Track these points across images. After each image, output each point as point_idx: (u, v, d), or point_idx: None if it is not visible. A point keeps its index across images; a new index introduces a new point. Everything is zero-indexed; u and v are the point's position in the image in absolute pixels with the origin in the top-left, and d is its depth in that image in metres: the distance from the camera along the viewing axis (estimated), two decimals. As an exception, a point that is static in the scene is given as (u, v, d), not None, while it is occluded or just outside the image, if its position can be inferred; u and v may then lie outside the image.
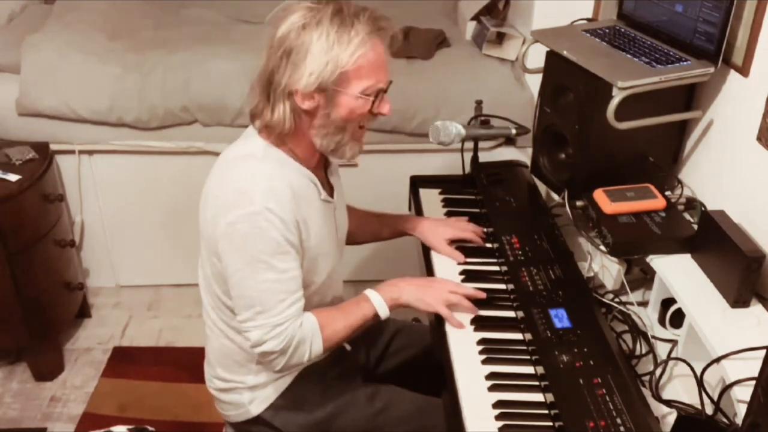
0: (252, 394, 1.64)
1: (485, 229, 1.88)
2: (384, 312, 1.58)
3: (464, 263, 1.79)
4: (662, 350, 1.57)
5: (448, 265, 1.79)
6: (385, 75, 1.46)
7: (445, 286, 1.62)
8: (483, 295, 1.62)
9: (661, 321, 1.63)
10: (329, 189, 1.61)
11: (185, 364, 2.58)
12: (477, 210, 2.01)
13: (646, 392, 1.45)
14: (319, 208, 1.54)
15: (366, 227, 1.87)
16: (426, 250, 1.85)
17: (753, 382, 1.15)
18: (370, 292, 1.60)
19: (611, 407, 1.32)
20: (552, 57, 1.87)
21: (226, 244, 1.43)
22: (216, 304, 1.58)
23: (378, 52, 1.43)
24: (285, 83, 1.40)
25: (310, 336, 1.49)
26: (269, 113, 1.44)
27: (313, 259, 1.53)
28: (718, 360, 1.34)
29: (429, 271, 1.80)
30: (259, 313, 1.44)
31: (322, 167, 1.60)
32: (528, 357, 1.51)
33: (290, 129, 1.45)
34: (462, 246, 1.84)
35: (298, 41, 1.38)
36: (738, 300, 1.46)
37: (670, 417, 1.39)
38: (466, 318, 1.60)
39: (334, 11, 1.39)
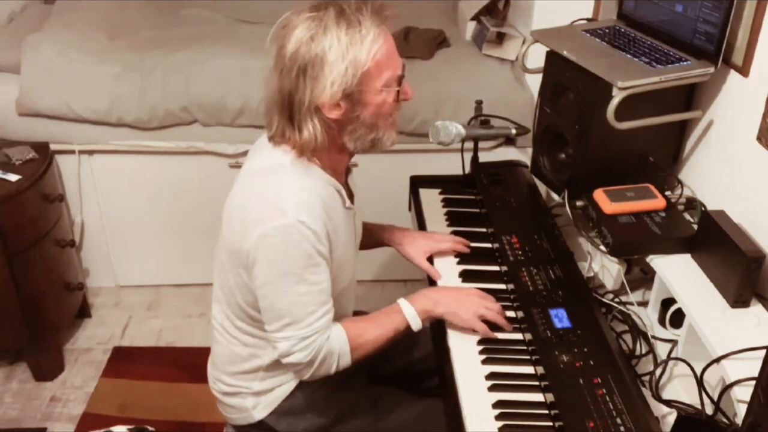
0: (256, 399, 1.63)
1: (470, 243, 1.84)
2: (417, 325, 1.56)
3: (461, 261, 1.79)
4: (662, 350, 1.57)
5: (448, 267, 1.79)
6: (399, 60, 1.45)
7: (480, 301, 1.59)
8: (509, 328, 1.58)
9: (661, 321, 1.63)
10: (350, 195, 1.59)
11: (185, 364, 2.58)
12: (477, 210, 2.01)
13: (646, 392, 1.45)
14: (343, 216, 1.53)
15: None
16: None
17: (753, 382, 1.15)
18: (402, 303, 1.57)
19: (611, 407, 1.32)
20: (552, 57, 1.87)
21: (258, 256, 1.41)
22: (236, 313, 1.56)
23: (389, 40, 1.40)
24: (308, 100, 1.37)
25: (338, 349, 1.48)
26: (297, 134, 1.40)
27: (338, 269, 1.52)
28: (718, 360, 1.34)
29: (430, 278, 1.79)
30: (288, 325, 1.43)
31: (344, 173, 1.58)
32: (528, 357, 1.51)
33: (324, 143, 1.42)
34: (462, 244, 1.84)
35: (310, 55, 1.34)
36: (738, 300, 1.46)
37: (670, 417, 1.39)
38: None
39: (336, 14, 1.36)
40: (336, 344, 1.48)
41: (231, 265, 1.50)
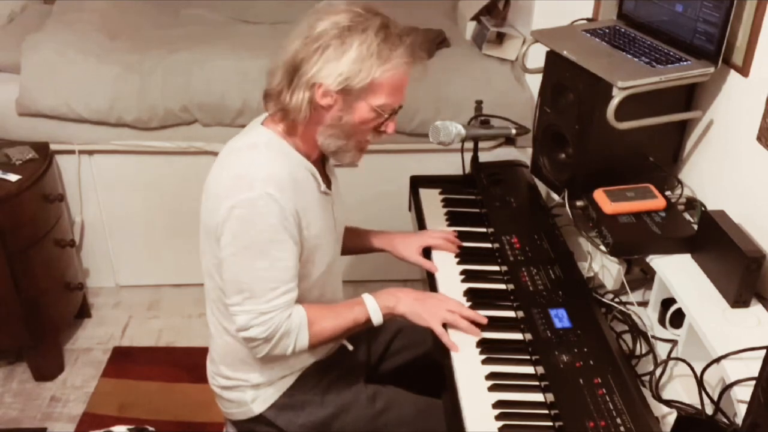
0: (255, 392, 1.64)
1: (459, 242, 1.85)
2: (377, 319, 1.58)
3: (461, 261, 1.79)
4: (662, 350, 1.57)
5: (448, 266, 1.79)
6: (402, 98, 1.50)
7: (444, 304, 1.59)
8: (484, 320, 1.59)
9: (661, 321, 1.63)
10: (327, 182, 1.61)
11: (185, 364, 2.58)
12: (477, 210, 2.01)
13: (646, 392, 1.45)
14: (318, 199, 1.55)
15: (345, 241, 1.85)
16: (426, 254, 1.85)
17: (753, 382, 1.15)
18: (366, 297, 1.59)
19: (611, 407, 1.32)
20: (552, 57, 1.87)
21: (224, 228, 1.44)
22: (220, 299, 1.58)
23: (405, 77, 1.46)
24: (312, 74, 1.41)
25: (296, 329, 1.50)
26: (288, 97, 1.45)
27: (311, 251, 1.54)
28: (718, 360, 1.34)
29: (432, 282, 1.78)
30: (248, 299, 1.46)
31: (320, 160, 1.61)
32: (528, 357, 1.51)
33: (305, 119, 1.46)
34: (462, 247, 1.84)
35: (338, 40, 1.39)
36: (738, 300, 1.46)
37: (670, 417, 1.39)
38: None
39: (381, 25, 1.42)
40: (296, 324, 1.49)
41: (208, 246, 1.52)
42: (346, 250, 1.82)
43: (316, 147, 1.54)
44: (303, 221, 1.48)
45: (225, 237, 1.44)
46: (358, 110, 1.45)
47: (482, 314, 1.60)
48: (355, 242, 1.86)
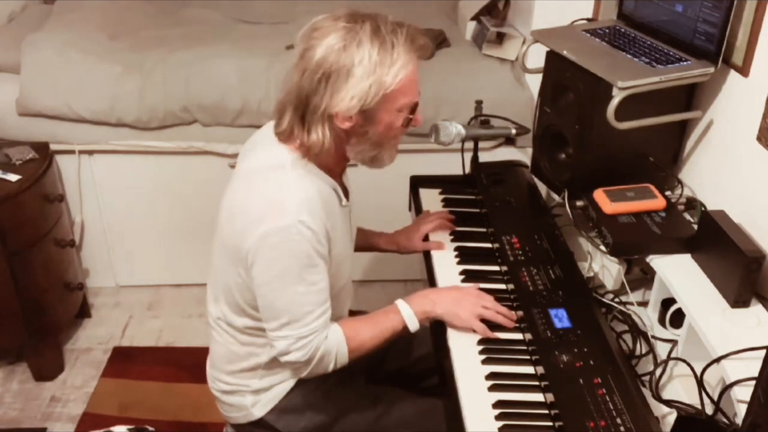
0: (255, 397, 1.63)
1: (452, 217, 1.92)
2: (414, 325, 1.57)
3: (461, 261, 1.79)
4: (662, 350, 1.57)
5: (449, 266, 1.79)
6: (418, 88, 1.47)
7: (478, 300, 1.59)
8: (513, 316, 1.59)
9: (661, 321, 1.63)
10: (345, 193, 1.60)
11: (185, 364, 2.58)
12: (477, 210, 2.01)
13: (646, 392, 1.45)
14: (339, 214, 1.54)
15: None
16: (426, 252, 1.85)
17: (753, 382, 1.15)
18: (400, 303, 1.58)
19: (611, 407, 1.32)
20: (552, 57, 1.87)
21: (257, 255, 1.41)
22: (235, 311, 1.57)
23: (415, 68, 1.42)
24: (324, 106, 1.38)
25: (335, 348, 1.49)
26: (305, 135, 1.42)
27: (336, 267, 1.53)
28: (718, 360, 1.34)
29: (430, 271, 1.80)
30: (286, 325, 1.44)
31: (340, 173, 1.59)
32: (528, 357, 1.51)
33: (330, 149, 1.43)
34: (462, 247, 1.84)
35: (338, 64, 1.35)
36: (738, 300, 1.46)
37: (670, 417, 1.39)
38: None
39: (372, 30, 1.36)
40: (333, 344, 1.49)
41: (230, 265, 1.50)
42: (355, 248, 1.84)
43: (342, 161, 1.53)
44: (332, 241, 1.47)
45: (258, 265, 1.42)
46: (382, 119, 1.43)
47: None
48: (362, 242, 1.87)
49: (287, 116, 1.44)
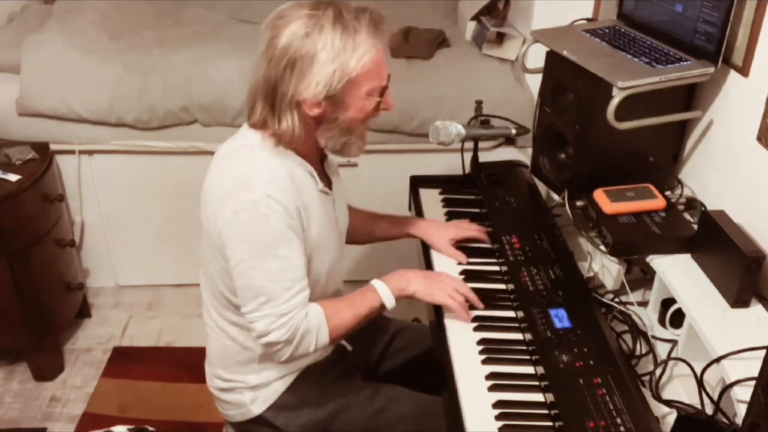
0: (253, 393, 1.64)
1: (488, 229, 1.88)
2: (390, 302, 1.58)
3: (466, 264, 1.79)
4: (662, 350, 1.57)
5: (448, 267, 1.79)
6: (386, 71, 1.48)
7: (451, 283, 1.62)
8: (480, 305, 1.63)
9: (661, 321, 1.63)
10: (326, 181, 1.61)
11: (185, 364, 2.58)
12: (477, 210, 2.01)
13: (646, 392, 1.45)
14: (317, 198, 1.54)
15: (368, 227, 1.87)
16: (426, 251, 1.85)
17: (753, 382, 1.15)
18: (376, 282, 1.60)
19: (611, 407, 1.32)
20: (552, 57, 1.87)
21: (229, 234, 1.43)
22: (220, 303, 1.58)
23: (380, 52, 1.44)
24: (291, 93, 1.40)
25: (316, 326, 1.49)
26: (276, 123, 1.44)
27: (313, 250, 1.53)
28: (718, 360, 1.34)
29: (429, 269, 1.79)
30: (264, 303, 1.44)
31: (318, 161, 1.60)
32: (528, 357, 1.51)
33: (300, 136, 1.45)
34: (462, 247, 1.84)
35: (301, 51, 1.37)
36: (738, 300, 1.46)
37: (670, 417, 1.39)
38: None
39: (335, 16, 1.38)
40: (314, 322, 1.49)
41: (210, 252, 1.52)
42: (363, 239, 1.85)
43: (315, 149, 1.54)
44: (305, 220, 1.48)
45: (231, 244, 1.43)
46: (351, 104, 1.44)
47: (482, 314, 1.61)
48: (374, 228, 1.88)
49: (258, 106, 1.47)
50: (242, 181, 1.43)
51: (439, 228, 1.86)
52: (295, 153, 1.50)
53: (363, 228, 1.86)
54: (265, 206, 1.40)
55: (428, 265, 1.81)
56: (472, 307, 1.62)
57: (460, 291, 1.61)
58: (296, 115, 1.42)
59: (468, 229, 1.86)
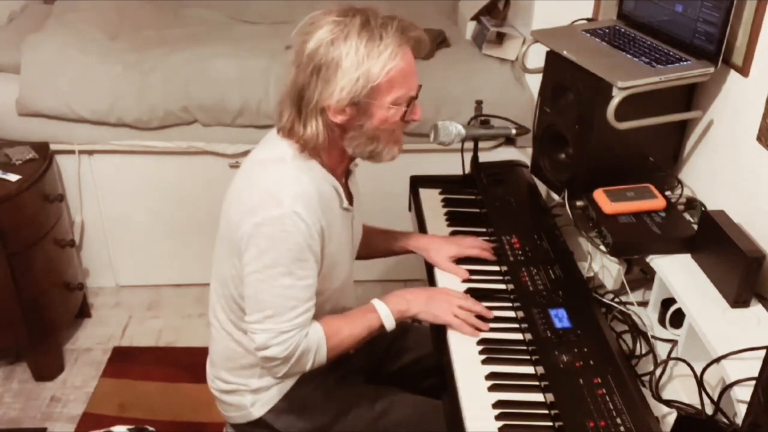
0: (254, 396, 1.63)
1: (493, 244, 1.84)
2: (390, 324, 1.57)
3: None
4: (662, 350, 1.57)
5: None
6: (415, 81, 1.46)
7: (454, 300, 1.60)
8: (491, 314, 1.60)
9: (661, 321, 1.63)
10: (349, 197, 1.60)
11: (185, 364, 2.58)
12: (477, 210, 2.01)
13: (646, 392, 1.45)
14: (339, 215, 1.54)
15: (370, 243, 1.84)
16: (429, 264, 1.83)
17: (753, 382, 1.15)
18: (377, 303, 1.58)
19: (611, 407, 1.32)
20: (552, 57, 1.87)
21: (249, 244, 1.42)
22: (230, 306, 1.57)
23: (408, 61, 1.42)
24: (316, 99, 1.39)
25: (315, 346, 1.49)
26: (301, 128, 1.43)
27: (330, 267, 1.53)
28: (718, 360, 1.34)
29: (431, 279, 1.78)
30: (269, 318, 1.44)
31: (343, 174, 1.59)
32: (528, 357, 1.51)
33: (324, 143, 1.44)
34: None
35: (327, 57, 1.37)
36: (738, 300, 1.46)
37: (670, 417, 1.39)
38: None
39: (361, 23, 1.38)
40: (314, 342, 1.49)
41: (226, 256, 1.51)
42: (372, 254, 1.83)
43: (342, 160, 1.53)
44: (326, 239, 1.47)
45: (249, 253, 1.42)
46: (376, 112, 1.43)
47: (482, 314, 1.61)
48: (376, 244, 1.85)
49: (286, 111, 1.46)
50: (270, 195, 1.41)
51: (440, 244, 1.83)
52: (321, 165, 1.49)
53: (366, 244, 1.82)
54: (291, 223, 1.39)
55: (431, 277, 1.79)
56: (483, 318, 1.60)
57: (464, 307, 1.59)
58: (321, 121, 1.41)
59: (470, 246, 1.82)
